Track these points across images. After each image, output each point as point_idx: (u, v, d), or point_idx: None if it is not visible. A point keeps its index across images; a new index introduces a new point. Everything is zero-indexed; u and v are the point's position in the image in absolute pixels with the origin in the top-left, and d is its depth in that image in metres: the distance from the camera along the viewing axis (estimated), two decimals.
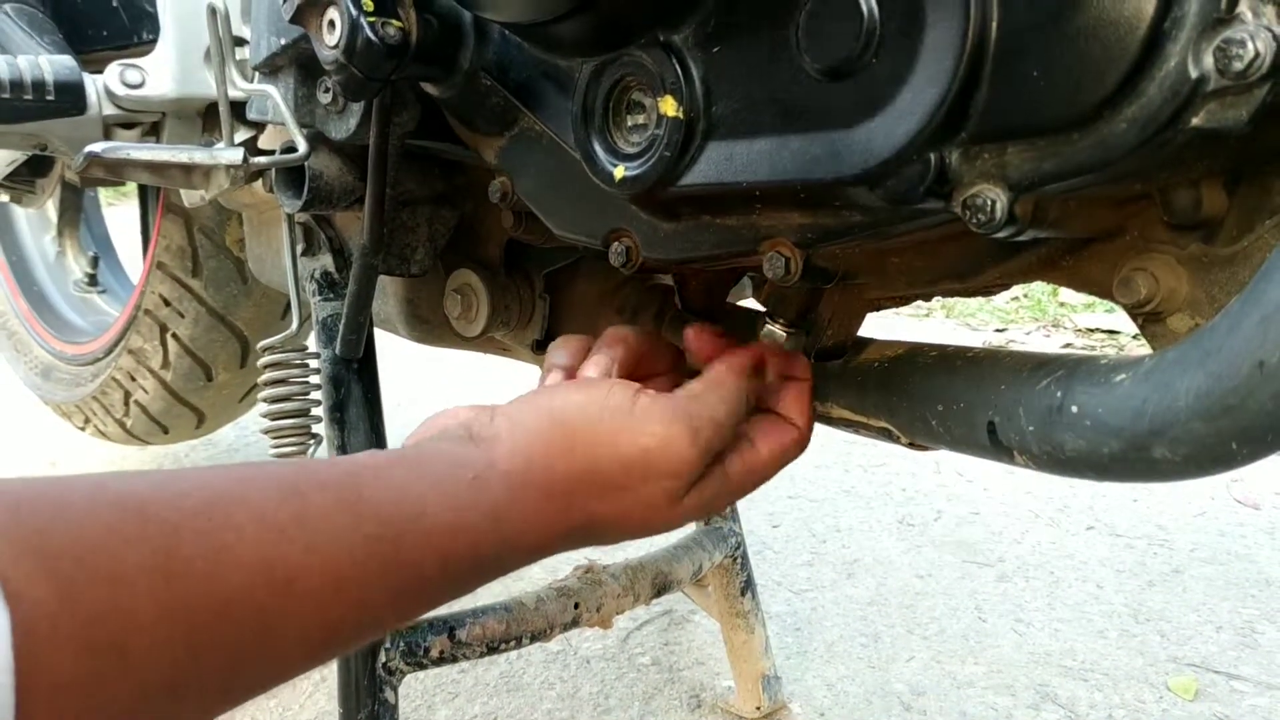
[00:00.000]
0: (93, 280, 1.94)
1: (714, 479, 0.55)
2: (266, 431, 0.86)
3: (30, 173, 1.38)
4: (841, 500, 1.93)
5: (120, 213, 2.89)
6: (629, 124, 0.55)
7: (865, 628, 1.45)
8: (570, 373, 0.61)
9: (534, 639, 0.93)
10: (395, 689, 0.86)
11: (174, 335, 1.57)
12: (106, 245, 2.08)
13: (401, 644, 0.86)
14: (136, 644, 0.34)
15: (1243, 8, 0.36)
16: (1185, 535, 1.75)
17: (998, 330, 3.51)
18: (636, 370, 0.60)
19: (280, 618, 0.40)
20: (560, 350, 0.62)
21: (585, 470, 0.51)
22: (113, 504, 0.37)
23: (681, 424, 0.52)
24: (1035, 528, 1.79)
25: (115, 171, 0.64)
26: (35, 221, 2.05)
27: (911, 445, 0.61)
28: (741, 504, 1.26)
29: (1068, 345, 3.28)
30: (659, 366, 0.64)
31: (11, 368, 2.00)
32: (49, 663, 0.32)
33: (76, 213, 2.01)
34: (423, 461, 0.49)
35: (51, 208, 1.98)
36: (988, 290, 0.59)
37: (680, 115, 0.51)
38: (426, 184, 0.84)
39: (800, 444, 0.60)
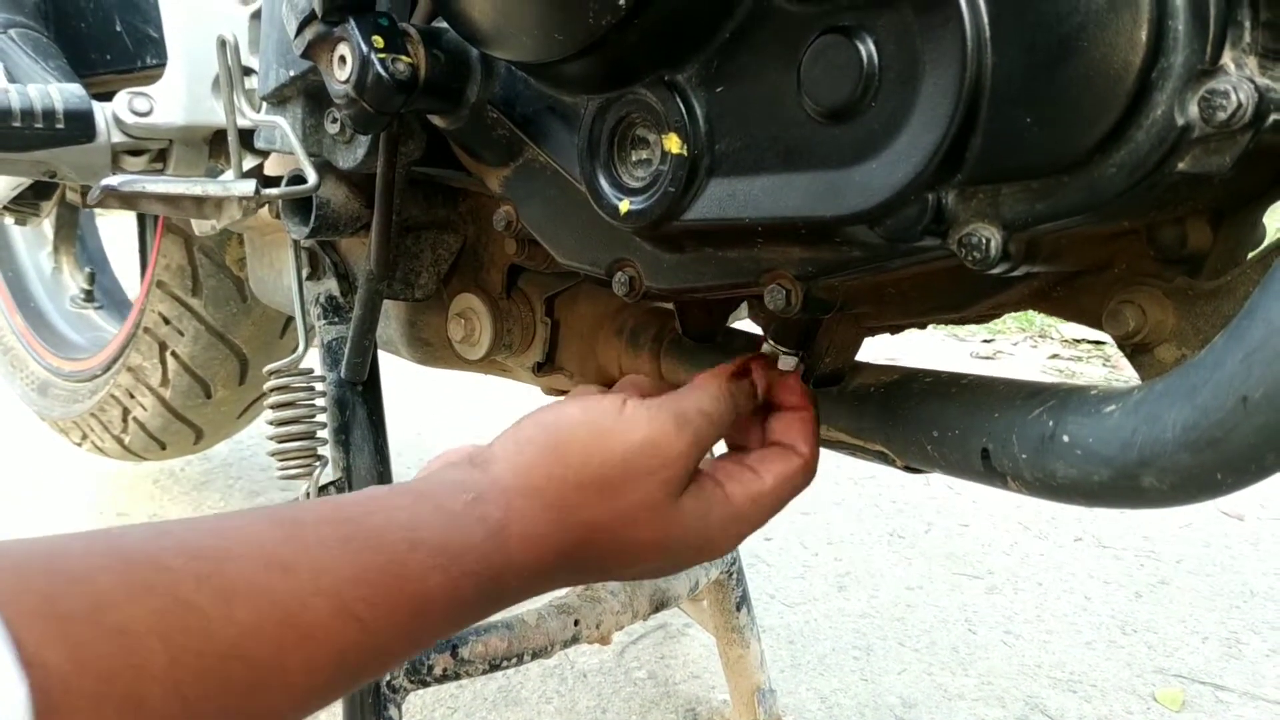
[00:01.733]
0: (89, 296, 1.94)
1: (715, 496, 0.56)
2: (273, 454, 0.87)
3: (35, 196, 1.39)
4: (832, 513, 1.94)
5: (112, 223, 2.89)
6: (633, 159, 0.56)
7: (857, 640, 1.46)
8: None
9: (535, 656, 0.94)
10: (399, 706, 0.87)
11: (173, 353, 1.58)
12: (102, 261, 2.09)
13: (405, 662, 0.87)
14: (151, 694, 0.35)
15: (1226, 60, 0.37)
16: (1171, 547, 1.77)
17: (985, 340, 3.53)
18: None
19: (292, 651, 0.40)
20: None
21: (579, 476, 0.52)
22: (114, 557, 0.37)
23: (667, 416, 0.53)
24: (1024, 540, 1.81)
25: (129, 202, 0.65)
26: (31, 237, 2.05)
27: (906, 468, 0.62)
28: None
29: (1054, 356, 3.31)
30: None
31: (8, 384, 2.00)
32: None
33: (73, 229, 2.01)
34: (424, 490, 0.49)
35: (48, 224, 1.98)
36: (981, 319, 0.61)
37: (684, 152, 0.52)
38: (430, 210, 0.85)
39: (807, 471, 0.60)
